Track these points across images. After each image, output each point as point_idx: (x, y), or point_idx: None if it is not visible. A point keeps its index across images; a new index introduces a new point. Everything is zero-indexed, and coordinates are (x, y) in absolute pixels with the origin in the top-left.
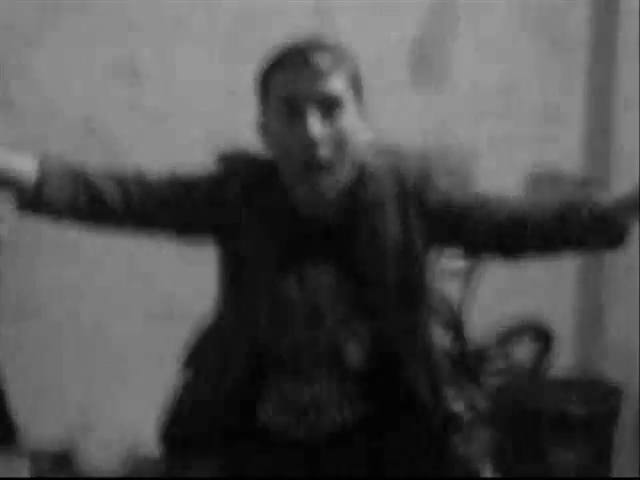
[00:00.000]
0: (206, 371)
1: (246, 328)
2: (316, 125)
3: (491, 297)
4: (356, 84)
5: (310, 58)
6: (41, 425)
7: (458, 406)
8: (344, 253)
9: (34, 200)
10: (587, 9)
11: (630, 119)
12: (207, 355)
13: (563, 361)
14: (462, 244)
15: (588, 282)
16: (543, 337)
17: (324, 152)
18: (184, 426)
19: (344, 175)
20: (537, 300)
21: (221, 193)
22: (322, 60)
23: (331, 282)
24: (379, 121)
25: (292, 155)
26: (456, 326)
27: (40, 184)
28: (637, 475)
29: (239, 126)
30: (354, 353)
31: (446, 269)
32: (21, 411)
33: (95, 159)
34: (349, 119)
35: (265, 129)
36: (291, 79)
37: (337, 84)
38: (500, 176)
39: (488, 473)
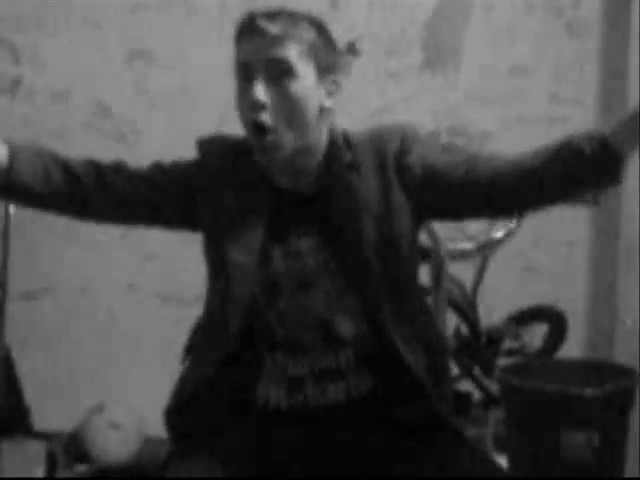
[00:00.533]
0: (200, 356)
1: (234, 306)
2: (261, 89)
3: (504, 280)
4: (318, 54)
5: (262, 25)
6: (52, 407)
7: (466, 386)
8: (324, 221)
9: (6, 184)
10: None
11: None
12: (201, 341)
13: (575, 344)
14: (451, 205)
15: (601, 265)
16: (556, 319)
17: (268, 116)
18: (184, 413)
19: (295, 140)
20: (550, 283)
21: (199, 176)
22: (273, 27)
23: (316, 251)
24: (392, 101)
25: (242, 119)
26: (468, 308)
27: (12, 168)
28: None
29: None
30: (344, 325)
31: (456, 251)
32: (32, 393)
33: (105, 142)
34: (304, 87)
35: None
36: (245, 46)
37: (290, 52)
38: None
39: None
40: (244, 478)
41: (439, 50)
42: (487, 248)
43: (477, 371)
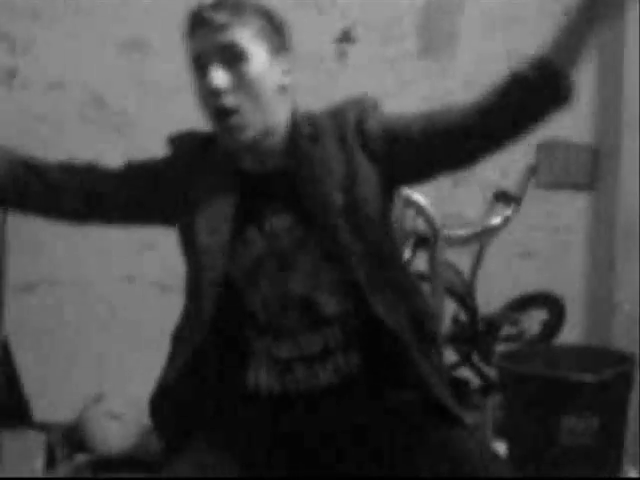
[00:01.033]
0: (180, 344)
1: (206, 291)
2: (218, 75)
3: (502, 266)
4: (269, 35)
5: (207, 15)
6: (52, 397)
7: (464, 373)
8: (294, 198)
9: None
10: None
11: (639, 88)
12: (180, 328)
13: (573, 329)
14: (415, 163)
15: (598, 250)
16: (554, 305)
17: (229, 99)
18: (167, 401)
19: (266, 121)
20: (547, 269)
21: (170, 170)
22: (218, 16)
23: (290, 230)
24: (387, 89)
25: (204, 107)
26: (466, 295)
27: None
28: None
29: None
30: (327, 301)
31: (453, 237)
32: (31, 384)
33: (100, 132)
34: (258, 68)
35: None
36: (194, 39)
37: (238, 35)
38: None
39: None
40: (240, 470)
41: (434, 36)
42: (484, 234)
43: (475, 357)
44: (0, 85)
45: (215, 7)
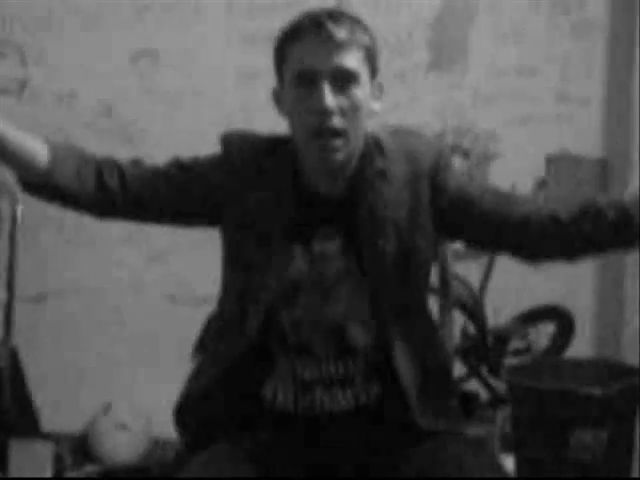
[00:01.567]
0: (213, 354)
1: (254, 308)
2: (330, 97)
3: (511, 279)
4: (371, 59)
5: (327, 30)
6: (60, 407)
7: (473, 386)
8: (349, 227)
9: (44, 182)
10: None
11: None
12: (213, 339)
13: (582, 343)
14: (475, 233)
15: (608, 264)
16: (563, 319)
17: (337, 120)
18: (194, 410)
19: (356, 146)
20: (557, 282)
21: (221, 174)
22: (339, 32)
23: (336, 257)
24: (398, 101)
25: (305, 123)
26: (475, 308)
27: (53, 167)
28: None
29: (255, 109)
30: (357, 332)
31: (462, 251)
32: (40, 394)
33: (111, 142)
34: (363, 93)
35: (280, 97)
36: (308, 51)
37: (353, 58)
38: (518, 157)
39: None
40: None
41: (445, 50)
42: None
43: (484, 371)
44: (11, 96)
45: (335, 20)
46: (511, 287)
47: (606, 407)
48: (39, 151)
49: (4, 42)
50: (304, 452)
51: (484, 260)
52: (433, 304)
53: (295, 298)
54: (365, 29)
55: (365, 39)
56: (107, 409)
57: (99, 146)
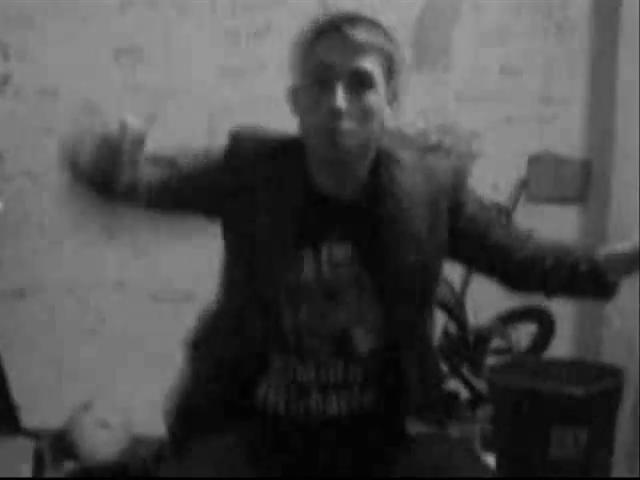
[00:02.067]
0: (210, 353)
1: (258, 308)
2: (342, 98)
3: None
4: (391, 66)
5: (349, 32)
6: (40, 404)
7: (454, 385)
8: (362, 235)
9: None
10: None
11: (631, 102)
12: (210, 338)
13: (563, 343)
14: (471, 260)
15: None
16: (544, 319)
17: (348, 123)
18: (187, 403)
19: (366, 152)
20: None
21: (231, 172)
22: (358, 35)
23: (345, 262)
24: None
25: (315, 122)
26: (457, 308)
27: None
28: (636, 458)
29: (238, 107)
30: (361, 339)
31: None
32: (20, 391)
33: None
34: (377, 98)
35: (294, 94)
36: (327, 51)
37: (371, 61)
38: (500, 157)
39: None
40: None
41: (428, 50)
42: None
43: (465, 370)
44: None
45: (354, 22)
46: (492, 287)
47: (587, 407)
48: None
49: None
50: (292, 455)
51: None
52: None
53: (300, 302)
54: (385, 34)
55: (384, 43)
56: (88, 406)
57: None
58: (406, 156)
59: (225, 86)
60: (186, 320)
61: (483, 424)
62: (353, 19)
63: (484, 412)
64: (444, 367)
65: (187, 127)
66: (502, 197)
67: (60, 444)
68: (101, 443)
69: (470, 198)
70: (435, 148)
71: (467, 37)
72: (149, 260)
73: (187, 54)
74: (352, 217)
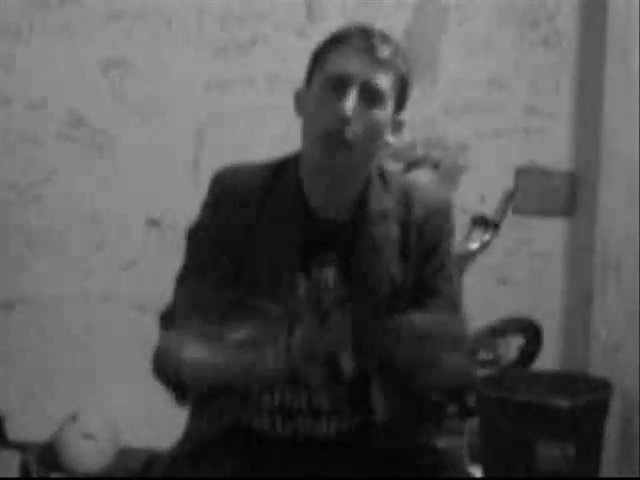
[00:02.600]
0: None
1: None
2: (353, 106)
3: (479, 291)
4: (402, 89)
5: (373, 44)
6: (27, 416)
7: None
8: (345, 258)
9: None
10: (575, 5)
11: (618, 115)
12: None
13: (550, 356)
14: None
15: (576, 277)
16: (531, 331)
17: (350, 131)
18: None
19: (361, 169)
20: (525, 295)
21: (229, 215)
22: (383, 50)
23: (332, 284)
24: None
25: (320, 125)
26: None
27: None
28: (623, 472)
29: (226, 120)
30: (346, 361)
31: None
32: (7, 402)
33: (80, 151)
34: (384, 118)
35: (302, 100)
36: (348, 57)
37: (387, 80)
38: (486, 170)
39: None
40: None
41: (415, 62)
42: (462, 259)
43: None
44: None
45: (382, 39)
46: (479, 300)
47: (574, 419)
48: None
49: None
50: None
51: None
52: None
53: (292, 328)
54: (406, 60)
55: (404, 68)
56: (74, 418)
57: (69, 155)
58: (395, 180)
59: (212, 99)
60: None
61: (470, 437)
62: (381, 35)
63: (471, 425)
64: None
65: (174, 140)
66: (489, 209)
67: (47, 456)
68: (87, 455)
69: (440, 252)
70: (422, 161)
71: (454, 49)
72: (136, 272)
73: (174, 67)
74: (340, 237)
